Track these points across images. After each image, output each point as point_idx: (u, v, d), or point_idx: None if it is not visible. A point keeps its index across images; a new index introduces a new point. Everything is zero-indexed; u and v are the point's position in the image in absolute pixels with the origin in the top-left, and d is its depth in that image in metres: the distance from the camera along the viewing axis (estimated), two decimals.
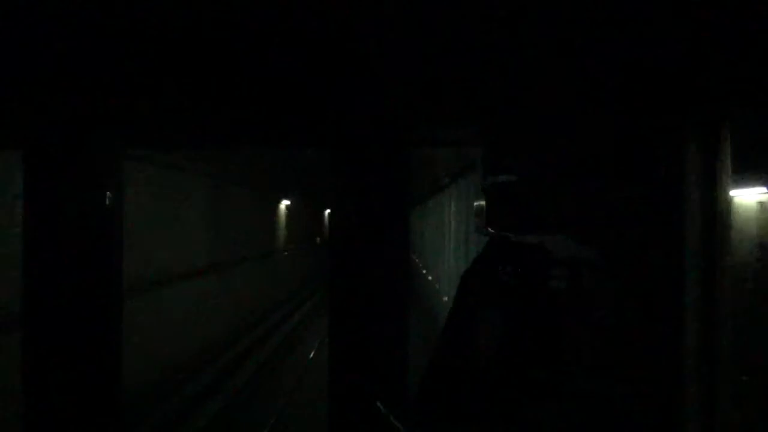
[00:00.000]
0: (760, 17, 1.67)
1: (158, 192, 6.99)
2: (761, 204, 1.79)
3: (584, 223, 2.07)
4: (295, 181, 13.70)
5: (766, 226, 1.83)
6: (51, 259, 2.26)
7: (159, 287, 7.08)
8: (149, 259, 6.62)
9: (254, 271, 12.58)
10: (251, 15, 2.11)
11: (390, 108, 2.18)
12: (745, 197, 1.88)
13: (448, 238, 9.97)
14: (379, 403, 2.05)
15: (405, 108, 2.18)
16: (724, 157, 1.80)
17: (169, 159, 7.21)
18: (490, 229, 2.15)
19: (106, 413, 2.30)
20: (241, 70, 2.22)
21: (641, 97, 2.00)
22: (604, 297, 2.00)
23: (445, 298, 9.38)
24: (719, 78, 1.83)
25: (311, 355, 10.51)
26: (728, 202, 1.80)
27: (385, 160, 2.22)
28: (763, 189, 1.77)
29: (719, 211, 1.83)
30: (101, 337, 2.29)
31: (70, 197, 2.26)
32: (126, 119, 2.28)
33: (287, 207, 18.62)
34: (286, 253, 18.16)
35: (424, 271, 14.99)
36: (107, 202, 2.31)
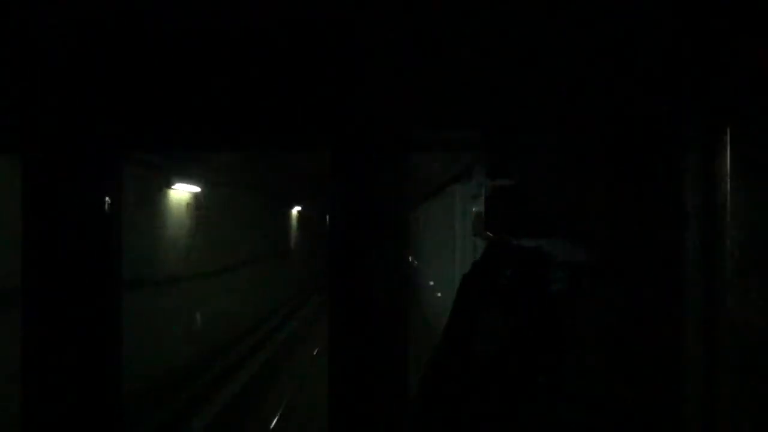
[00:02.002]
0: (761, 18, 1.68)
1: None
2: None
3: (584, 225, 2.08)
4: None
5: None
6: (50, 260, 2.25)
7: None
8: None
9: None
10: (251, 15, 2.11)
11: (390, 110, 2.18)
12: None
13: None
14: (379, 405, 2.04)
15: (405, 110, 2.18)
16: (724, 159, 1.80)
17: None
18: (489, 233, 2.16)
19: (106, 413, 2.29)
20: (240, 71, 2.22)
21: (641, 99, 2.01)
22: (604, 299, 2.00)
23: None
24: (721, 79, 1.84)
25: None
26: (729, 203, 1.80)
27: (385, 162, 2.23)
28: None
29: (720, 212, 1.83)
30: (101, 337, 2.28)
31: (70, 198, 2.26)
32: (125, 120, 2.28)
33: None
34: None
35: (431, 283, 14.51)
36: (106, 203, 2.31)
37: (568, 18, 1.95)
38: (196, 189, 9.35)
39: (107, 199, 2.30)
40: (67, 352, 2.25)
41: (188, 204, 9.32)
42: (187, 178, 8.80)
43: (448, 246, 9.31)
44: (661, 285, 2.03)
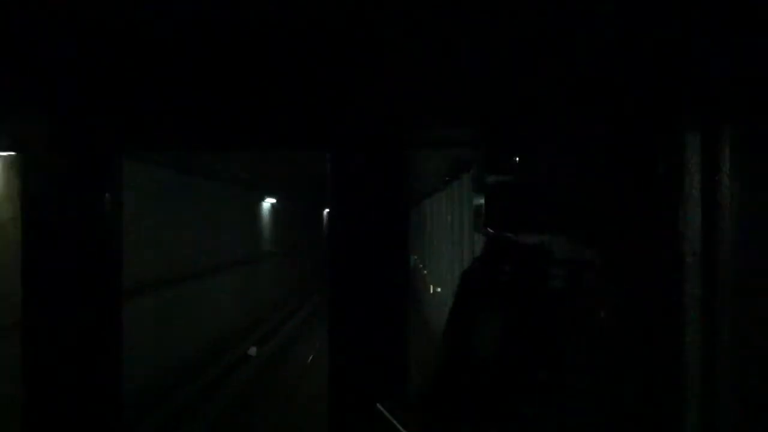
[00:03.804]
0: (759, 18, 1.67)
1: None
2: None
3: (584, 223, 2.07)
4: None
5: None
6: (51, 260, 2.25)
7: None
8: None
9: None
10: (251, 15, 2.10)
11: (390, 109, 2.18)
12: None
13: None
14: (379, 405, 2.05)
15: (405, 109, 2.17)
16: (724, 157, 1.80)
17: None
18: (489, 229, 2.15)
19: (106, 412, 2.29)
20: (241, 70, 2.22)
21: (642, 97, 2.00)
22: (603, 296, 2.00)
23: None
24: (720, 78, 1.82)
25: None
26: (729, 200, 1.80)
27: (385, 160, 2.22)
28: None
29: (720, 210, 1.82)
30: (101, 337, 2.28)
31: (70, 198, 2.26)
32: (125, 120, 2.27)
33: None
34: None
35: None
36: (106, 203, 2.31)
37: (568, 18, 1.94)
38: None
39: (107, 198, 2.30)
40: (67, 351, 2.25)
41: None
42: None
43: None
44: (661, 282, 2.02)
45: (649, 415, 1.94)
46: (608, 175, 2.06)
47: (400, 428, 2.00)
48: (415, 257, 17.88)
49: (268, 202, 16.75)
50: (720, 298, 1.82)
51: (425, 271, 15.17)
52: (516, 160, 2.19)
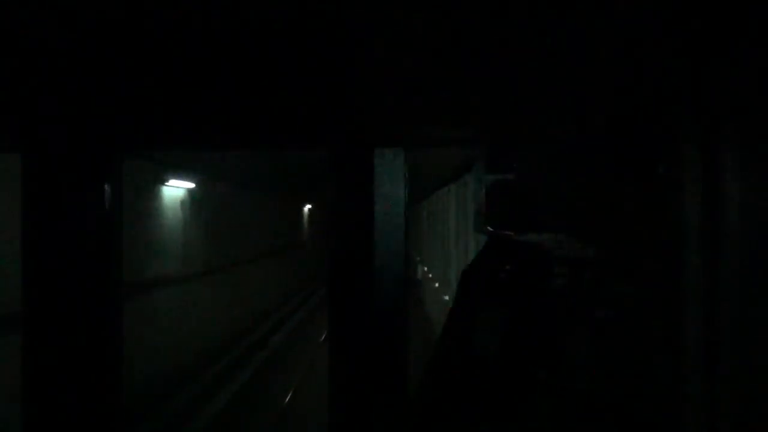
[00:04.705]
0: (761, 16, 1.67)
1: None
2: None
3: (584, 222, 2.07)
4: None
5: None
6: (50, 260, 2.26)
7: None
8: None
9: None
10: (249, 13, 2.10)
11: (390, 109, 2.18)
12: None
13: None
14: (379, 405, 2.05)
15: (405, 108, 2.18)
16: (725, 156, 1.80)
17: None
18: (490, 228, 2.16)
19: (106, 413, 2.30)
20: (239, 69, 2.22)
21: (641, 97, 2.00)
22: (603, 296, 2.00)
23: None
24: (721, 76, 1.82)
25: None
26: (730, 198, 1.80)
27: (385, 160, 2.23)
28: None
29: (720, 209, 1.82)
30: (101, 337, 2.29)
31: (70, 198, 2.26)
32: (125, 120, 2.28)
33: None
34: None
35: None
36: (106, 202, 2.31)
37: (567, 16, 1.93)
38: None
39: (107, 198, 2.31)
40: (68, 350, 2.26)
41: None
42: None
43: None
44: (661, 281, 2.02)
45: (649, 414, 1.94)
46: (608, 174, 2.07)
47: (400, 428, 2.00)
48: (425, 268, 15.51)
49: (176, 188, 9.45)
50: (721, 298, 1.82)
51: (446, 297, 10.72)
52: (516, 160, 2.19)
